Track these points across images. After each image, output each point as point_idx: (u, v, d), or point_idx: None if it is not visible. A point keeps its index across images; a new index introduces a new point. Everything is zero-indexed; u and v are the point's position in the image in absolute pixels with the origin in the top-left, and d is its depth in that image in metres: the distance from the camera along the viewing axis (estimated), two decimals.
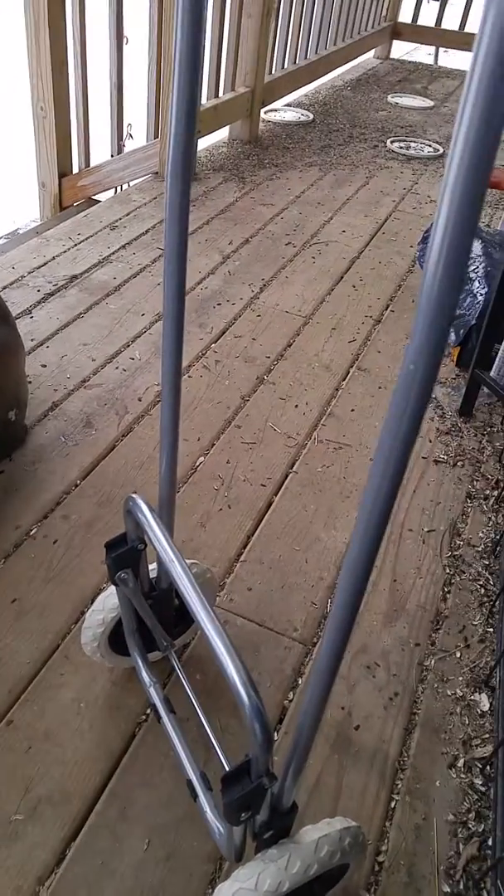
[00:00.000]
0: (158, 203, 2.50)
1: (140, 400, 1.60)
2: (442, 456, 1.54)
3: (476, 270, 1.83)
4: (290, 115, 3.57)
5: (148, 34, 2.42)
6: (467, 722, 1.05)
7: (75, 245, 2.20)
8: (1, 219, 2.67)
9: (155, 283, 2.04)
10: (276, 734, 1.01)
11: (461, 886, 0.88)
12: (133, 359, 1.73)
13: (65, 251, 2.15)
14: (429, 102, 3.99)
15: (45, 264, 2.08)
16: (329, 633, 0.59)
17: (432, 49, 5.04)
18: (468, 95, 0.35)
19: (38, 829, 0.89)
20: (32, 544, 1.24)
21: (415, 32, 4.75)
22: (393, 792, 0.96)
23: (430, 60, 4.98)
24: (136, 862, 0.87)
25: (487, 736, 1.03)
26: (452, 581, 1.27)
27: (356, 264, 2.27)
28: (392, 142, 3.32)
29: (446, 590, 1.25)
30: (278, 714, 1.04)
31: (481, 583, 1.27)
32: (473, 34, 0.34)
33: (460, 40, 4.54)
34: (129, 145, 2.60)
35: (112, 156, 2.59)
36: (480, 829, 0.93)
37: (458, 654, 1.14)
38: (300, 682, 1.08)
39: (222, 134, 3.15)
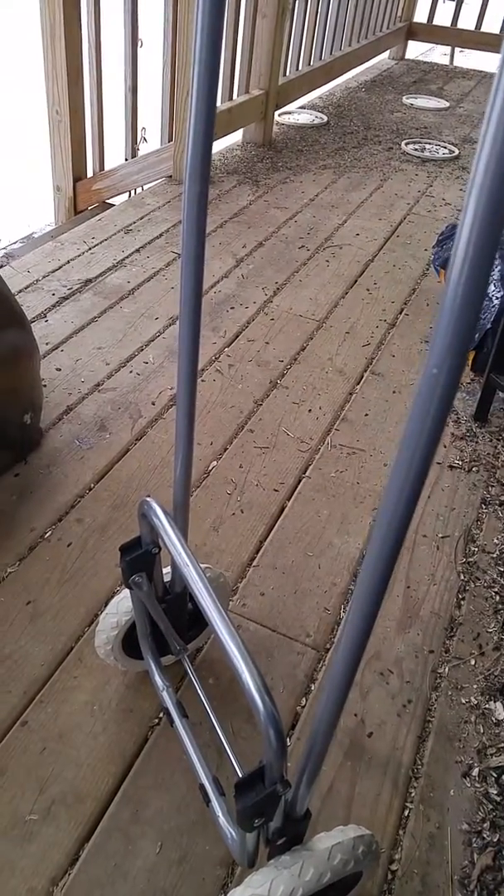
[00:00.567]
0: (172, 206, 2.51)
1: (154, 404, 1.60)
2: (457, 461, 1.53)
3: (491, 274, 1.82)
4: (304, 118, 3.57)
5: (162, 37, 2.43)
6: (482, 731, 1.04)
7: (90, 249, 2.21)
8: (16, 223, 2.69)
9: (169, 287, 2.04)
10: (288, 740, 1.01)
11: None
12: (147, 363, 1.73)
13: (79, 255, 2.16)
14: (444, 103, 3.98)
15: (59, 268, 2.09)
16: (345, 641, 0.59)
17: (448, 49, 5.02)
18: (496, 95, 0.34)
19: (52, 830, 0.89)
20: (47, 547, 1.24)
21: (430, 32, 4.72)
22: (406, 800, 0.96)
23: (445, 61, 4.96)
24: (148, 865, 0.87)
25: (502, 745, 1.02)
26: (467, 588, 1.26)
27: (370, 268, 2.26)
28: (407, 144, 3.31)
29: (460, 597, 1.24)
30: (291, 720, 1.03)
31: (496, 590, 1.26)
32: (490, 34, 0.34)
33: (477, 40, 4.50)
34: (143, 149, 2.61)
35: (126, 159, 2.60)
36: (495, 840, 0.92)
37: (473, 662, 1.14)
38: (313, 687, 1.08)
39: (236, 137, 3.15)
